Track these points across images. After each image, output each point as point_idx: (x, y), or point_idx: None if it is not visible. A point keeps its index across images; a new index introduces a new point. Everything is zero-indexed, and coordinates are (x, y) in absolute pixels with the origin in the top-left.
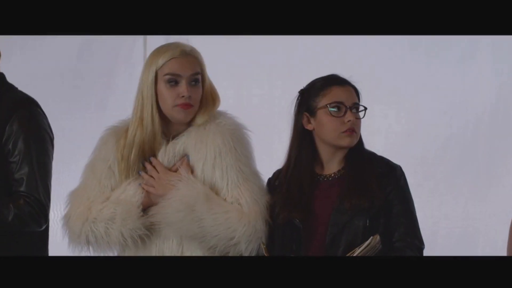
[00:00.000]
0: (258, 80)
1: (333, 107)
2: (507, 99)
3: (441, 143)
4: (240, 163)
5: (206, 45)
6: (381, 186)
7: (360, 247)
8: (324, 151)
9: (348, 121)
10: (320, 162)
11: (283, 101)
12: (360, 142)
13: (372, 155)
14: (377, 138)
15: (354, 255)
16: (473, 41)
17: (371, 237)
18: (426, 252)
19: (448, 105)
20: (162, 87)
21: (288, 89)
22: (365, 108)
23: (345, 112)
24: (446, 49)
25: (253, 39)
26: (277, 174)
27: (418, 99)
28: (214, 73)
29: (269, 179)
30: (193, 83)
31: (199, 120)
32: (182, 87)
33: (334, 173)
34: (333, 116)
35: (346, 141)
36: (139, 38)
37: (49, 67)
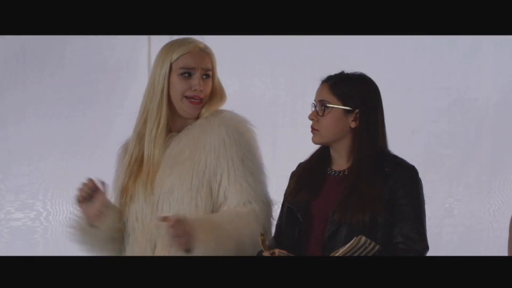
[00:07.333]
0: (261, 77)
1: (312, 106)
2: (510, 97)
3: (444, 141)
4: (245, 156)
5: (208, 43)
6: (386, 185)
7: (343, 248)
8: (330, 147)
9: (311, 119)
10: (332, 157)
11: (286, 98)
12: (370, 140)
13: (384, 153)
14: None
15: (337, 255)
16: (476, 40)
17: (354, 237)
18: (430, 250)
19: (452, 103)
20: (175, 78)
21: (291, 86)
22: (325, 106)
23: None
24: (449, 48)
25: (256, 37)
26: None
27: (421, 98)
28: (217, 71)
29: (293, 172)
30: (204, 77)
31: (205, 113)
32: (195, 80)
33: (342, 170)
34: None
35: (312, 139)
36: (143, 38)
37: (53, 65)
